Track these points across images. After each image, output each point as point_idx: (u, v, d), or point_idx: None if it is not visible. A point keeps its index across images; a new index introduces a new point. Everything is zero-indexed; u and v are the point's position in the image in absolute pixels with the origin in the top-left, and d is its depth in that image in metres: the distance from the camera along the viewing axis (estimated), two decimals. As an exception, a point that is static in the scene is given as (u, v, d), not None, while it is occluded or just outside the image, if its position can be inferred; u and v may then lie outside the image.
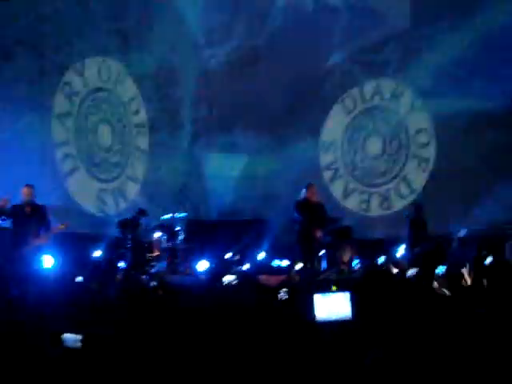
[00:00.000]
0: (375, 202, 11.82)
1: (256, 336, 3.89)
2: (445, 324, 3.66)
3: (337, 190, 11.98)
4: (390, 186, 11.77)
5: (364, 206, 11.88)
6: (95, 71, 12.68)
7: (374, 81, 11.60)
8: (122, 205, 12.63)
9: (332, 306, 3.85)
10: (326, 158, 12.06)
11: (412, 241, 10.06)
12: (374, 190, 11.87)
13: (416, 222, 10.20)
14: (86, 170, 12.83)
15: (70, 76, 12.80)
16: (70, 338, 3.38)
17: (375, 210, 11.83)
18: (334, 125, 11.94)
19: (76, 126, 12.88)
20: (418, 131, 11.52)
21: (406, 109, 11.53)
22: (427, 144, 11.47)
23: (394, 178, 11.72)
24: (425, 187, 11.42)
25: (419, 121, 11.44)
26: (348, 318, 3.84)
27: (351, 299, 3.86)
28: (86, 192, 12.71)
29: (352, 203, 11.89)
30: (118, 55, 12.60)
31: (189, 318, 4.20)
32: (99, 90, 12.76)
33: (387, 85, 11.55)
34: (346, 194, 11.95)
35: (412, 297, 4.39)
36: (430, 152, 11.42)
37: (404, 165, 11.65)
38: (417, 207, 10.45)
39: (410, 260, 9.73)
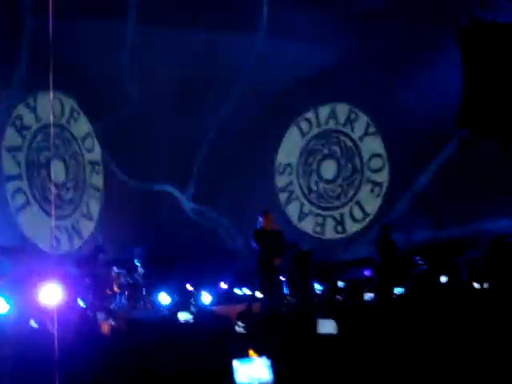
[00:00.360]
0: (330, 225, 11.95)
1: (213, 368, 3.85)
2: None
3: (292, 212, 12.06)
4: (344, 210, 11.93)
5: (318, 229, 11.99)
6: (47, 104, 12.48)
7: (329, 105, 11.77)
8: (77, 242, 12.38)
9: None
10: (281, 180, 12.14)
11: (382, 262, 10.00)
12: (328, 213, 11.99)
13: (385, 244, 10.15)
14: (39, 206, 12.56)
15: (22, 110, 12.59)
16: None
17: (330, 233, 11.95)
18: (290, 147, 12.04)
19: (27, 160, 12.63)
20: (371, 157, 11.75)
21: (360, 133, 11.73)
22: (381, 169, 11.69)
23: (349, 201, 11.89)
24: (378, 212, 11.64)
25: (371, 145, 11.65)
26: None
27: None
28: (38, 228, 12.40)
29: (307, 226, 11.99)
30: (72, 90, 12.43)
31: (149, 354, 4.14)
32: (51, 125, 12.58)
33: (342, 109, 11.73)
34: (301, 216, 12.04)
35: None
36: (384, 176, 11.64)
37: (358, 189, 11.83)
38: (384, 228, 10.44)
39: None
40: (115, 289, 10.53)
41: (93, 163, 12.53)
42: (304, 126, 12.00)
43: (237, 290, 10.81)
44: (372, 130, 11.59)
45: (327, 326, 3.71)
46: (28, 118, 12.54)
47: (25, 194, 12.58)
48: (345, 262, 11.39)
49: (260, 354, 3.43)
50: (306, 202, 12.08)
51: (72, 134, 12.56)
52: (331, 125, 11.86)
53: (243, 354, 3.59)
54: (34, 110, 12.58)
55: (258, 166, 12.03)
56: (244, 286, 10.66)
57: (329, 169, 11.99)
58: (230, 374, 3.53)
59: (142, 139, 11.94)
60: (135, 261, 10.66)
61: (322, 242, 11.87)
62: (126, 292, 10.47)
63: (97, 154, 12.47)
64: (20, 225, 12.51)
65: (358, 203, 11.83)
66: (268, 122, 11.89)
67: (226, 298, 10.24)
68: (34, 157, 12.60)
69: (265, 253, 9.20)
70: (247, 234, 10.01)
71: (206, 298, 9.85)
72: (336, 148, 11.87)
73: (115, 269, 10.61)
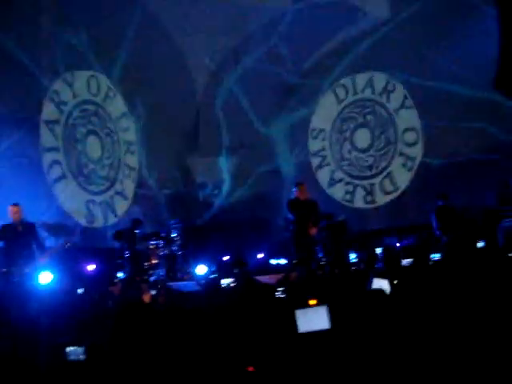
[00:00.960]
0: (359, 194, 11.95)
1: (256, 335, 3.92)
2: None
3: (323, 177, 12.08)
4: (375, 180, 11.90)
5: (348, 197, 12.00)
6: (84, 84, 12.61)
7: (367, 73, 11.65)
8: (111, 219, 12.51)
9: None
10: (314, 145, 12.14)
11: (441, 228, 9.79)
12: (358, 182, 11.99)
13: (443, 210, 9.91)
14: (74, 179, 12.68)
15: (59, 84, 12.70)
16: (73, 350, 3.41)
17: (359, 202, 11.94)
18: (325, 112, 11.99)
19: (64, 134, 12.71)
20: (406, 129, 11.64)
21: (396, 105, 11.61)
22: (415, 143, 11.58)
23: (380, 172, 11.84)
24: (408, 185, 11.57)
25: (407, 119, 11.53)
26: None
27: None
28: (74, 201, 12.48)
29: (336, 193, 12.00)
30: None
31: (192, 322, 4.21)
32: (88, 102, 12.71)
33: (379, 79, 11.59)
34: (331, 182, 12.06)
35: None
36: (417, 151, 11.54)
37: (390, 161, 11.77)
38: (443, 195, 10.15)
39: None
40: (153, 261, 10.71)
41: (128, 143, 12.67)
42: (340, 92, 11.90)
43: (273, 261, 10.91)
44: (409, 103, 11.44)
45: (381, 284, 3.77)
46: (65, 94, 12.58)
47: (61, 166, 12.67)
48: (378, 230, 11.38)
49: (319, 303, 3.50)
50: (337, 169, 12.08)
51: (108, 113, 12.68)
52: (367, 94, 11.74)
53: (303, 304, 3.67)
54: (70, 85, 12.64)
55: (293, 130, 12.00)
56: (280, 257, 10.75)
57: (362, 138, 11.90)
58: (292, 324, 3.59)
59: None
60: (172, 233, 10.79)
61: (353, 211, 11.85)
62: (164, 264, 10.62)
63: (132, 133, 12.59)
64: (56, 196, 12.59)
65: (390, 175, 11.77)
66: (303, 86, 11.82)
67: (263, 268, 10.33)
68: (71, 131, 12.71)
69: (299, 223, 9.27)
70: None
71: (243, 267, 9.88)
72: (371, 117, 11.78)
73: (153, 241, 10.78)
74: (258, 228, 11.57)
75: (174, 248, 10.73)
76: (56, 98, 12.45)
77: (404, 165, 11.65)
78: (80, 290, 6.89)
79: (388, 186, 11.79)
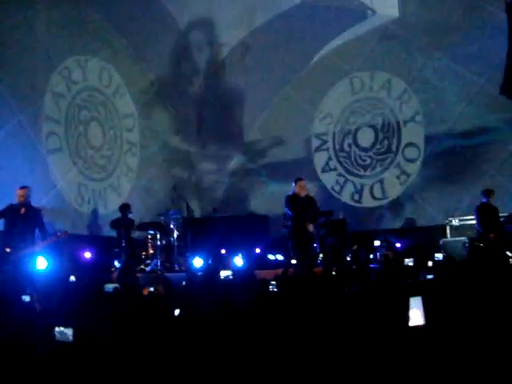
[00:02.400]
0: (348, 189, 11.97)
1: (256, 331, 3.87)
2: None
3: (319, 161, 12.09)
4: (366, 182, 11.90)
5: (337, 188, 12.01)
6: (96, 72, 12.51)
7: (386, 74, 11.60)
8: (102, 210, 12.43)
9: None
10: (319, 127, 12.11)
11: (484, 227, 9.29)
12: (350, 177, 12.00)
13: (486, 208, 9.40)
14: (70, 156, 12.51)
15: (71, 63, 12.53)
16: (62, 331, 3.36)
17: (345, 196, 11.94)
18: (336, 98, 11.95)
19: (68, 110, 12.47)
20: (409, 144, 11.60)
21: (407, 117, 11.58)
22: (414, 160, 11.54)
23: (373, 176, 11.86)
24: (396, 198, 11.58)
25: (413, 134, 11.49)
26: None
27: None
28: (66, 178, 12.25)
29: (327, 180, 12.06)
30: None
31: (188, 314, 4.17)
32: (97, 90, 12.61)
33: (398, 84, 11.56)
34: (326, 168, 12.12)
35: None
36: (415, 169, 11.49)
37: (386, 169, 11.77)
38: (488, 192, 9.54)
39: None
40: (150, 251, 10.65)
41: (130, 143, 12.59)
42: (356, 83, 11.86)
43: (270, 256, 10.87)
44: (419, 118, 11.41)
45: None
46: (76, 74, 12.29)
47: (59, 139, 12.42)
48: (376, 230, 11.39)
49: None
50: (334, 157, 12.08)
51: (115, 108, 12.58)
52: (383, 95, 11.71)
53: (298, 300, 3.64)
54: (83, 68, 12.48)
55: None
56: (278, 252, 10.70)
57: (366, 137, 11.89)
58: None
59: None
60: (170, 223, 10.72)
61: (353, 209, 11.86)
62: (161, 254, 10.56)
63: (135, 135, 12.51)
64: (50, 168, 12.26)
65: (382, 182, 11.77)
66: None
67: (261, 263, 10.29)
68: (76, 110, 12.52)
69: (297, 219, 9.16)
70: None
71: (239, 261, 9.88)
72: (379, 120, 11.75)
73: (150, 231, 10.72)
74: (256, 223, 11.54)
75: (171, 239, 10.66)
76: (66, 74, 12.20)
77: (398, 177, 11.65)
78: (72, 278, 6.82)
79: (377, 192, 11.80)
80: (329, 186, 12.03)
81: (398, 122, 11.63)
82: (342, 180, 12.03)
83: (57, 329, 3.40)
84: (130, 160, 12.59)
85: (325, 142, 12.15)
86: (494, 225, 9.13)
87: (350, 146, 12.00)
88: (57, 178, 11.65)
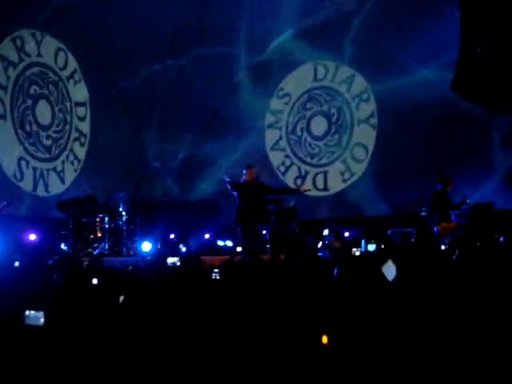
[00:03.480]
0: (291, 172, 12.08)
1: (200, 316, 3.87)
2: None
3: (270, 137, 12.16)
4: (310, 170, 12.00)
5: (282, 169, 12.18)
6: (52, 51, 12.10)
7: (351, 70, 11.59)
8: (41, 191, 12.14)
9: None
10: (275, 104, 12.16)
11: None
12: (296, 161, 12.10)
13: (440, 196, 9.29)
14: (13, 127, 12.09)
15: (26, 34, 12.04)
16: (33, 315, 3.29)
17: (288, 179, 12.03)
18: (298, 79, 11.94)
19: (16, 78, 11.98)
20: (359, 144, 11.71)
21: (362, 117, 11.65)
22: (361, 160, 11.65)
23: (318, 167, 11.97)
24: (338, 192, 11.72)
25: (364, 135, 11.59)
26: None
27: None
28: (5, 147, 11.91)
29: (274, 159, 12.19)
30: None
31: (134, 299, 4.13)
32: (50, 69, 12.23)
33: (359, 82, 11.56)
34: (274, 147, 12.23)
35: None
36: (360, 168, 11.62)
37: (332, 162, 11.87)
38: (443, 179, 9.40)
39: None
40: (98, 234, 10.50)
41: (80, 133, 12.33)
42: (320, 70, 11.85)
43: (220, 242, 10.88)
44: (373, 121, 11.51)
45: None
46: (30, 46, 12.02)
47: (3, 105, 12.01)
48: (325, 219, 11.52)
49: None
50: (284, 138, 12.15)
51: (68, 93, 12.28)
52: (343, 88, 11.73)
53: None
54: (38, 43, 12.12)
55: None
56: (227, 239, 10.72)
57: (318, 126, 11.96)
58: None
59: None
60: (119, 206, 10.58)
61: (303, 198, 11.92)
62: (109, 238, 10.43)
63: (86, 125, 12.25)
64: None
65: (325, 174, 11.91)
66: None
67: (210, 249, 10.29)
68: (26, 83, 12.16)
69: (244, 204, 9.09)
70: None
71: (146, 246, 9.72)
72: (335, 112, 11.82)
73: (99, 214, 10.56)
74: (206, 208, 11.51)
75: (119, 222, 10.53)
76: (19, 42, 11.87)
77: (342, 173, 11.79)
78: (17, 263, 6.63)
79: (319, 183, 11.94)
80: (275, 165, 12.11)
81: (352, 120, 11.71)
82: (288, 162, 12.14)
83: (27, 312, 3.33)
84: (77, 149, 12.34)
85: (279, 120, 12.17)
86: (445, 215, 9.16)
87: (301, 130, 12.07)
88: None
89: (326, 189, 11.91)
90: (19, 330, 3.40)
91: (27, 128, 12.00)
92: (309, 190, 10.24)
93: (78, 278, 4.86)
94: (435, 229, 9.07)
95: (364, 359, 3.19)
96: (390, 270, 3.58)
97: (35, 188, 12.07)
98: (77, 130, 12.37)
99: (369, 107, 11.51)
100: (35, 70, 12.11)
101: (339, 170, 11.80)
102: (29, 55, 12.01)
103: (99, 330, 3.59)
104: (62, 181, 12.21)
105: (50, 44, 12.14)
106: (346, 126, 11.75)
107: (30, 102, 12.03)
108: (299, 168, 12.10)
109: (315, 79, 11.88)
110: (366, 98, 11.54)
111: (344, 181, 11.77)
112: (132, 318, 3.74)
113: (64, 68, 12.27)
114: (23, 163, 11.93)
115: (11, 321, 3.45)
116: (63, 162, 12.29)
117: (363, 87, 11.54)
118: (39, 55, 12.10)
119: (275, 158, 12.18)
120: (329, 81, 11.81)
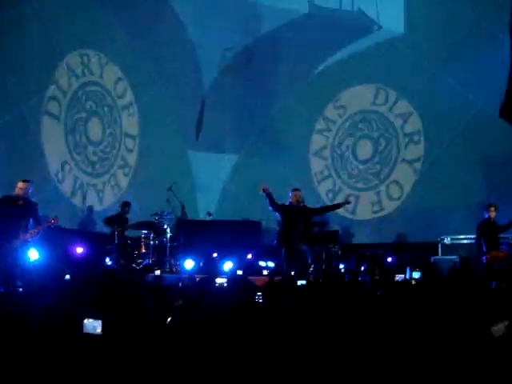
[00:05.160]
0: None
1: (248, 335, 3.92)
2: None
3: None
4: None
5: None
6: (112, 78, 12.36)
7: (392, 90, 11.65)
8: (78, 199, 12.36)
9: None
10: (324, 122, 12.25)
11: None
12: (343, 186, 12.09)
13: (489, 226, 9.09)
14: (64, 131, 12.20)
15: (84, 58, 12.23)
16: (91, 323, 3.40)
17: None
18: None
19: (75, 94, 12.17)
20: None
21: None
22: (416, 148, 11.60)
23: (367, 189, 11.92)
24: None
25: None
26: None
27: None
28: (54, 145, 11.90)
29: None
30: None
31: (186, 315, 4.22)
32: (109, 93, 12.54)
33: (401, 101, 11.63)
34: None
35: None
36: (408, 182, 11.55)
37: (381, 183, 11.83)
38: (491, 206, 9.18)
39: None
40: (142, 250, 10.66)
41: (125, 163, 12.53)
42: (381, 95, 11.82)
43: (262, 263, 10.89)
44: (417, 165, 11.50)
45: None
46: (94, 66, 12.12)
47: (60, 107, 11.74)
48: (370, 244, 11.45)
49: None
50: (329, 148, 12.10)
51: (121, 121, 12.49)
52: (398, 122, 11.75)
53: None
54: (101, 67, 12.31)
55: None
56: (269, 259, 10.73)
57: (364, 149, 11.99)
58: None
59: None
60: (164, 223, 10.73)
61: (348, 222, 11.91)
62: (153, 254, 10.57)
63: (133, 156, 12.49)
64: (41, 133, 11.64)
65: (356, 198, 11.80)
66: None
67: (253, 269, 10.31)
68: (83, 96, 12.12)
69: (289, 228, 9.13)
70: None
71: (228, 266, 9.82)
72: (383, 143, 11.84)
73: (144, 230, 10.73)
74: (250, 228, 11.57)
75: (164, 239, 10.67)
76: (86, 59, 11.98)
77: (372, 204, 11.74)
78: (67, 276, 6.79)
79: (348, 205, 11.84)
80: (313, 171, 12.13)
81: (396, 157, 11.70)
82: (326, 172, 12.16)
83: (86, 321, 3.43)
84: (120, 177, 12.55)
85: (329, 129, 12.22)
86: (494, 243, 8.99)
87: (347, 147, 12.11)
88: (45, 142, 11.35)
89: (353, 213, 11.84)
90: (78, 338, 3.49)
91: (77, 137, 12.25)
92: (349, 203, 10.28)
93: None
94: (484, 258, 8.94)
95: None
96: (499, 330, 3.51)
97: (73, 194, 12.28)
98: (123, 159, 12.60)
99: (417, 151, 11.42)
100: (95, 88, 12.41)
101: (371, 199, 11.75)
102: (92, 73, 12.32)
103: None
104: (100, 201, 12.42)
105: (112, 71, 12.43)
106: (389, 160, 11.71)
107: (84, 115, 12.31)
108: (334, 182, 12.08)
109: (374, 103, 11.85)
110: (417, 141, 11.47)
111: (373, 212, 11.71)
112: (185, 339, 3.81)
113: (121, 97, 12.56)
114: (67, 167, 12.16)
115: (71, 329, 3.55)
116: (104, 184, 12.50)
117: (417, 128, 11.46)
118: (101, 77, 12.42)
119: (316, 163, 12.15)
120: (387, 109, 11.76)
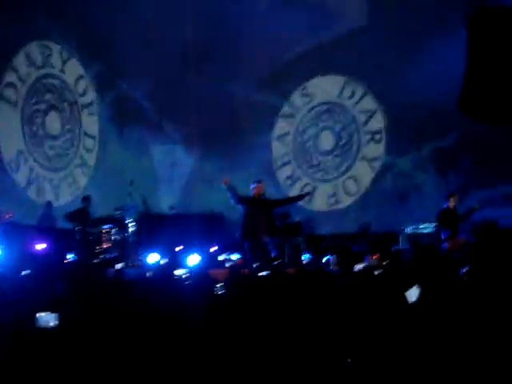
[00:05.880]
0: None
1: (208, 329, 3.92)
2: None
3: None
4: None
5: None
6: (75, 75, 12.20)
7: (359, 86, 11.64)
8: (32, 191, 12.13)
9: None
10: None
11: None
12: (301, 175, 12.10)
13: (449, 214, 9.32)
14: (20, 119, 11.98)
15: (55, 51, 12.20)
16: (46, 317, 3.35)
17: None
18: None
19: (37, 81, 12.00)
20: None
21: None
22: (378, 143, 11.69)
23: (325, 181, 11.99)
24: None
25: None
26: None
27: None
28: (8, 131, 11.70)
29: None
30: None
31: (144, 310, 4.21)
32: (70, 90, 12.32)
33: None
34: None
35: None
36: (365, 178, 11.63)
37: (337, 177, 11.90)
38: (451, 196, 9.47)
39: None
40: (105, 245, 10.56)
41: (84, 162, 12.41)
42: (347, 89, 11.79)
43: (224, 256, 10.86)
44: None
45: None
46: (56, 59, 12.03)
47: (16, 91, 11.52)
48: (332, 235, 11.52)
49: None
50: (291, 135, 12.03)
51: (81, 120, 12.32)
52: (360, 119, 11.78)
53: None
54: (63, 61, 12.13)
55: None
56: (234, 252, 10.72)
57: (325, 141, 12.05)
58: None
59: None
60: (126, 218, 10.64)
61: (310, 213, 11.95)
62: (116, 249, 10.48)
63: (93, 156, 12.34)
64: None
65: (313, 189, 11.79)
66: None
67: (216, 262, 10.29)
68: (42, 87, 12.09)
69: (250, 219, 9.19)
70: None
71: (193, 259, 9.78)
72: (344, 137, 11.87)
73: (106, 225, 10.63)
74: (213, 221, 11.55)
75: (126, 234, 10.59)
76: (47, 51, 11.85)
77: (328, 197, 11.84)
78: (25, 272, 6.67)
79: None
80: (274, 156, 12.13)
81: (357, 153, 11.76)
82: (287, 158, 12.16)
83: (39, 315, 3.38)
84: (78, 176, 12.36)
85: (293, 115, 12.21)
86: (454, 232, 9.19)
87: (309, 138, 12.10)
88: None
89: (310, 203, 11.89)
90: (31, 333, 3.45)
91: (34, 128, 12.01)
92: (309, 194, 10.29)
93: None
94: (443, 246, 9.12)
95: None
96: (413, 293, 3.62)
97: (28, 184, 12.05)
98: (81, 158, 12.40)
99: (377, 149, 11.52)
100: (56, 81, 12.19)
101: (327, 192, 11.81)
102: (53, 67, 12.09)
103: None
104: (57, 197, 12.22)
105: (75, 67, 12.20)
106: (349, 155, 11.76)
107: (42, 107, 12.08)
108: (294, 170, 12.10)
109: (340, 95, 11.84)
110: (378, 140, 11.54)
111: (329, 204, 11.78)
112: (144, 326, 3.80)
113: (83, 95, 12.34)
114: (21, 158, 11.91)
115: (24, 324, 3.50)
116: (60, 180, 12.30)
117: (378, 127, 11.53)
118: (62, 71, 12.20)
119: (277, 148, 12.12)
120: (352, 104, 11.76)
